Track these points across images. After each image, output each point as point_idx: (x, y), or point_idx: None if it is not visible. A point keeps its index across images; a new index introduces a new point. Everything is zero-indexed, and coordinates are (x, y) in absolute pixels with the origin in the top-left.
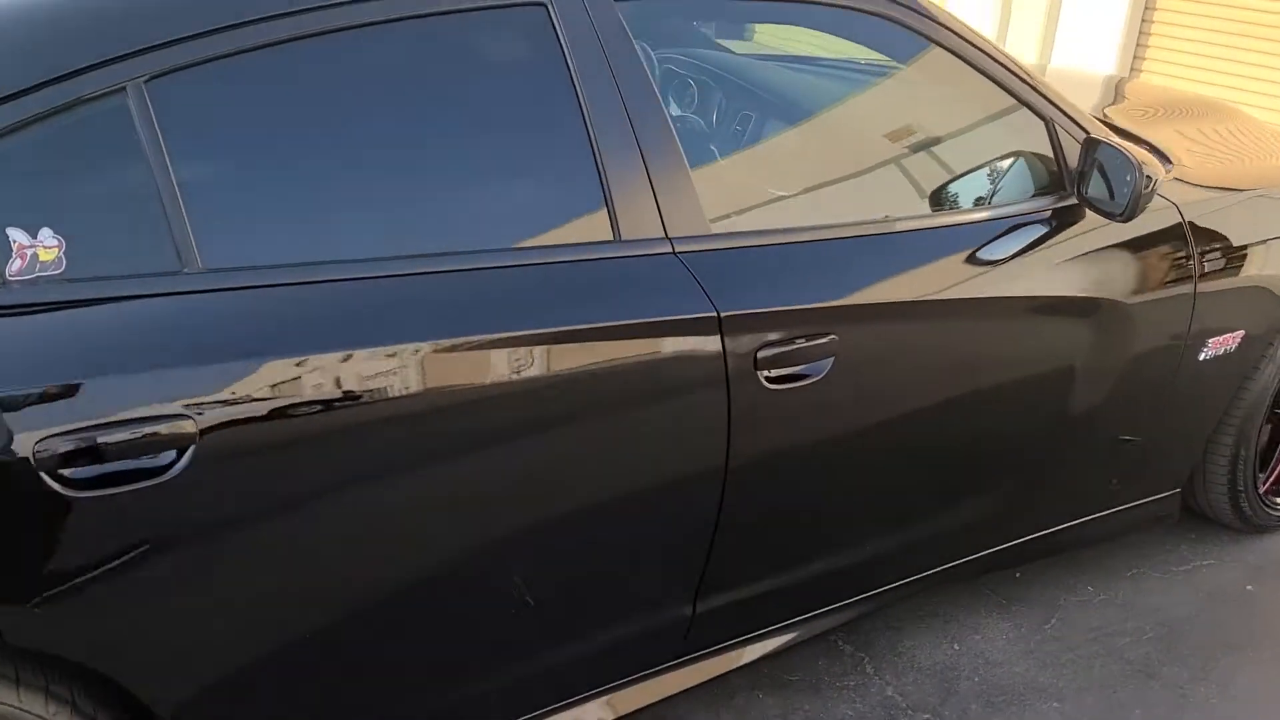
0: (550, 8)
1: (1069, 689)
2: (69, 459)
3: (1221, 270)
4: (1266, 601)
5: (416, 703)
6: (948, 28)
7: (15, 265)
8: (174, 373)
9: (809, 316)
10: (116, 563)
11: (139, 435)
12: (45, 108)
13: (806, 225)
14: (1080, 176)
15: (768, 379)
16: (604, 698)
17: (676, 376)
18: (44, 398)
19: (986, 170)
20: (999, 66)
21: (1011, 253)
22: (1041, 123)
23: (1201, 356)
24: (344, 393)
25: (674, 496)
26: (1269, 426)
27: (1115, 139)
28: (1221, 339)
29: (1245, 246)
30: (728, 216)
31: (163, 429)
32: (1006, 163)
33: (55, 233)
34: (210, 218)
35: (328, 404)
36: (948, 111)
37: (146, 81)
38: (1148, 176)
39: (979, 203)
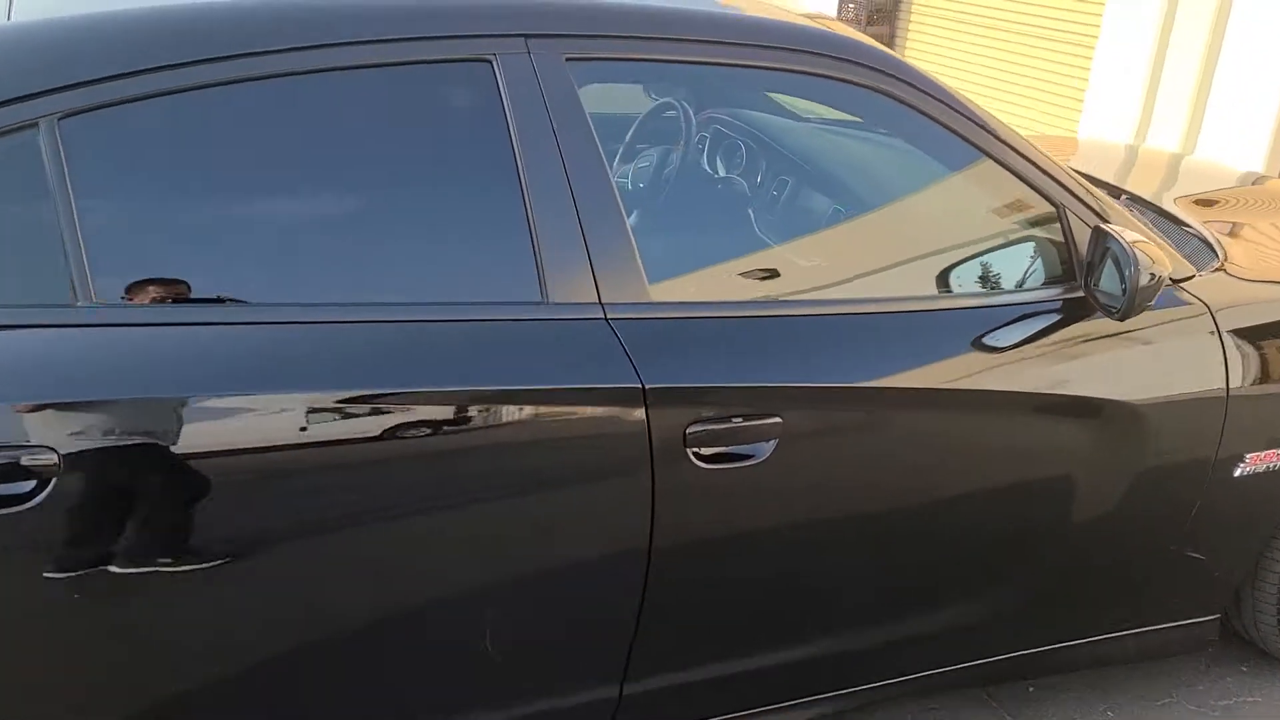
0: (495, 63)
1: None
2: None
3: (1263, 378)
4: None
5: None
6: (947, 104)
7: None
8: (46, 406)
9: (749, 396)
10: None
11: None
12: None
13: (764, 299)
14: (1089, 268)
15: (699, 457)
16: None
17: (596, 447)
18: None
19: (989, 254)
20: (1004, 147)
21: (1006, 343)
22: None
23: (1238, 472)
24: (226, 441)
25: (594, 570)
26: None
27: (1125, 230)
28: (1264, 455)
29: None
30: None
31: (22, 460)
32: (1013, 247)
33: None
34: (108, 255)
35: (206, 449)
36: (952, 192)
37: (60, 119)
38: (1151, 274)
39: (981, 287)
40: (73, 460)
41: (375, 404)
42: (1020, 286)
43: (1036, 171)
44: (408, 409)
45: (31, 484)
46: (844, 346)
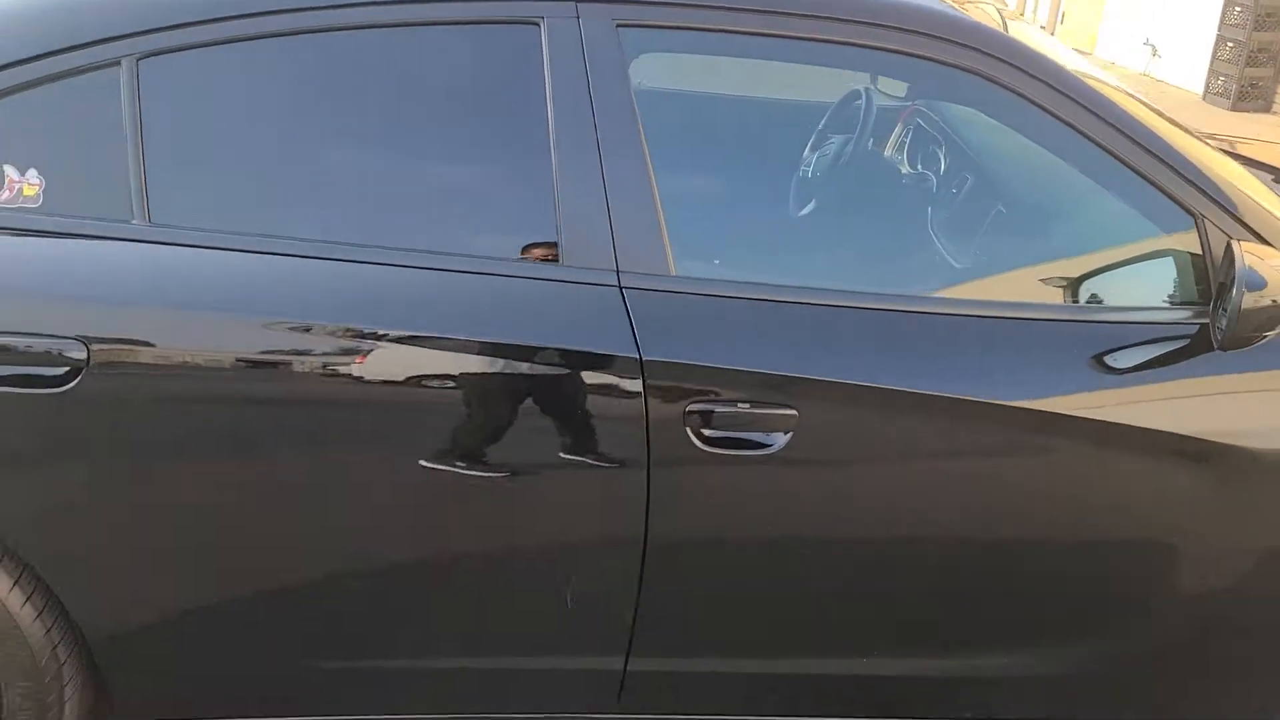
0: (542, 26)
1: None
2: None
3: None
4: None
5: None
6: (1065, 93)
7: (4, 195)
8: (91, 298)
9: (760, 382)
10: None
11: (36, 349)
12: (49, 73)
13: (799, 286)
14: (1220, 290)
15: (701, 438)
16: None
17: (595, 414)
18: None
19: (1099, 266)
20: (1131, 144)
21: (1100, 364)
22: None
23: None
24: (237, 357)
25: (595, 532)
26: None
27: (1262, 249)
28: None
29: None
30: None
31: (54, 349)
32: (1136, 262)
33: (39, 174)
34: (168, 185)
35: (222, 363)
36: (1068, 192)
37: (141, 59)
38: (1273, 299)
39: (1084, 300)
40: (107, 349)
41: (383, 342)
42: (1135, 306)
43: (1171, 174)
44: (417, 351)
45: (64, 370)
46: (891, 347)
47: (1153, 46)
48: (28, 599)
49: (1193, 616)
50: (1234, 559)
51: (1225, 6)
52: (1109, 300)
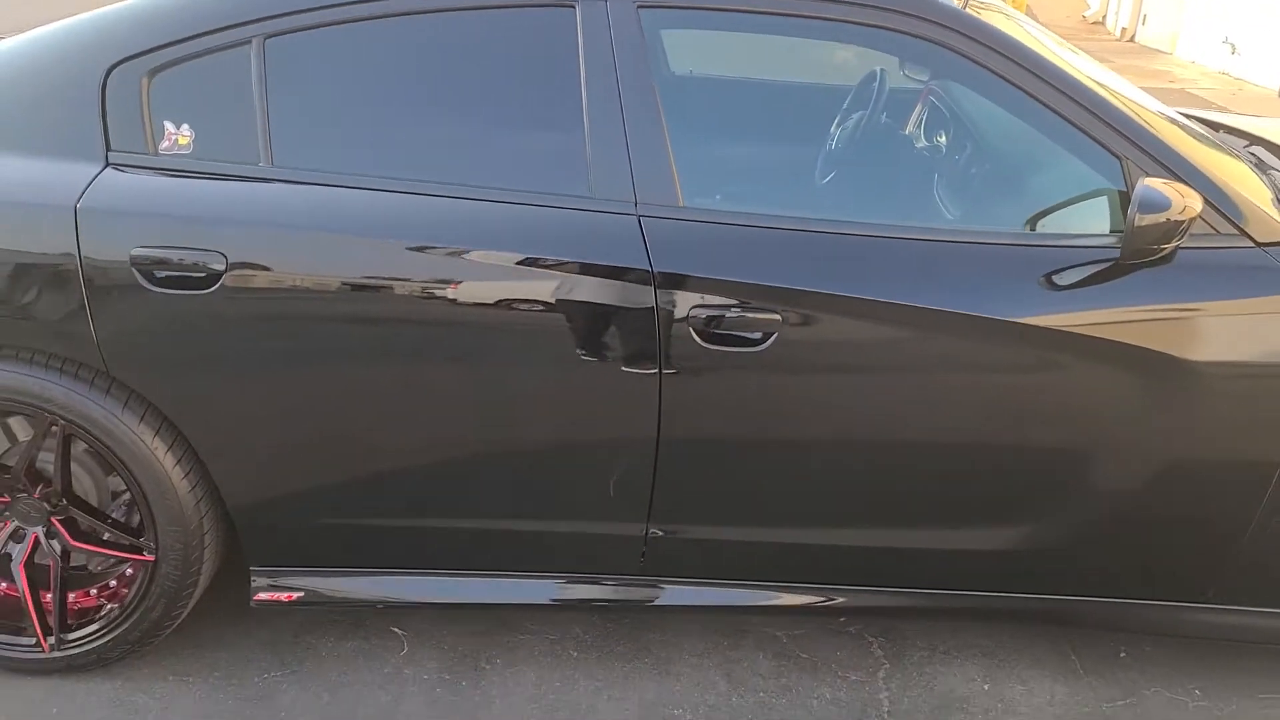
0: (577, 8)
1: None
2: (154, 267)
3: None
4: None
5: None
6: (1013, 59)
7: (164, 144)
8: (229, 221)
9: (748, 291)
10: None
11: (190, 260)
12: (197, 50)
13: (784, 214)
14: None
15: (701, 336)
16: (584, 585)
17: (617, 316)
18: (141, 222)
19: (1040, 201)
20: (1068, 100)
21: (1029, 279)
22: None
23: None
24: (338, 265)
25: (618, 413)
26: None
27: (1166, 181)
28: None
29: None
30: None
31: (202, 260)
32: (1086, 196)
33: (191, 127)
34: (286, 136)
35: (327, 271)
36: (1022, 143)
37: (266, 38)
38: (1166, 218)
39: (1028, 229)
40: (242, 260)
41: (456, 255)
42: (1077, 233)
43: (1102, 125)
44: (480, 265)
45: (205, 275)
46: (861, 265)
47: (1231, 45)
48: (178, 463)
49: (1125, 503)
50: (1160, 453)
51: None
52: (1059, 230)
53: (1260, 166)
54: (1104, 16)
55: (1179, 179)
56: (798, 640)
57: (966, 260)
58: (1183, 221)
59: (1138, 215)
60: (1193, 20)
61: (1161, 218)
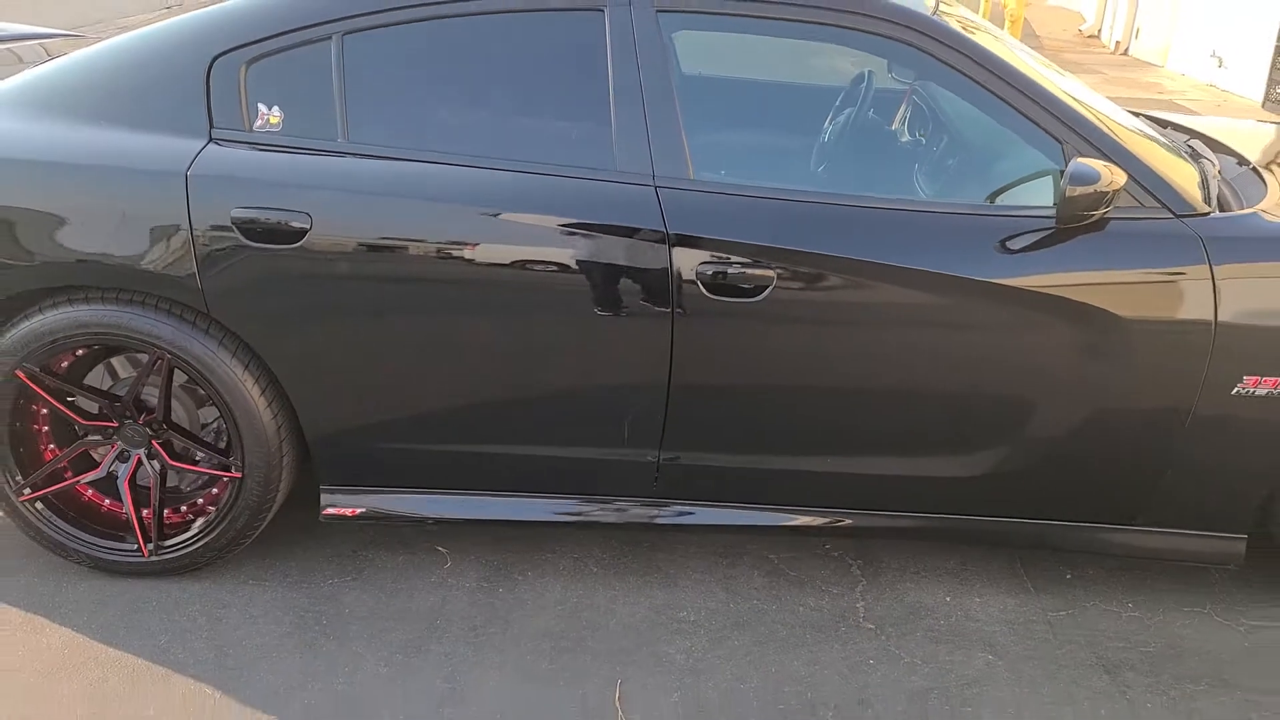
0: (605, 12)
1: (1017, 654)
2: (250, 225)
3: (1261, 309)
4: None
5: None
6: (969, 56)
7: (258, 122)
8: (312, 188)
9: (748, 250)
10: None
11: (280, 220)
12: (286, 45)
13: (779, 187)
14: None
15: (707, 288)
16: (602, 504)
17: (637, 270)
18: (240, 187)
19: (1000, 180)
20: (1017, 93)
21: (983, 244)
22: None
23: (1235, 391)
24: (403, 225)
25: (636, 353)
26: None
27: (1097, 161)
28: (1265, 380)
29: None
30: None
31: (289, 220)
32: (1036, 175)
33: (281, 109)
34: (360, 117)
35: (389, 236)
36: (981, 130)
37: (344, 35)
38: (1094, 190)
39: (983, 203)
40: (322, 220)
41: (501, 217)
42: (1026, 205)
43: (1043, 113)
44: (521, 225)
45: (292, 232)
46: (846, 229)
47: (1218, 58)
48: (263, 392)
49: (1065, 436)
50: (1094, 397)
51: None
52: (1011, 203)
53: (1194, 155)
54: (1099, 30)
55: (1109, 159)
56: (787, 561)
57: (936, 228)
58: (1107, 193)
59: (1069, 187)
60: (1183, 34)
61: (1090, 189)
